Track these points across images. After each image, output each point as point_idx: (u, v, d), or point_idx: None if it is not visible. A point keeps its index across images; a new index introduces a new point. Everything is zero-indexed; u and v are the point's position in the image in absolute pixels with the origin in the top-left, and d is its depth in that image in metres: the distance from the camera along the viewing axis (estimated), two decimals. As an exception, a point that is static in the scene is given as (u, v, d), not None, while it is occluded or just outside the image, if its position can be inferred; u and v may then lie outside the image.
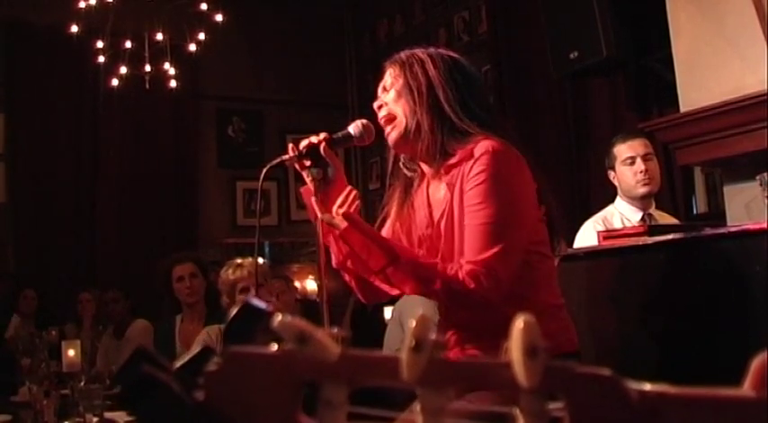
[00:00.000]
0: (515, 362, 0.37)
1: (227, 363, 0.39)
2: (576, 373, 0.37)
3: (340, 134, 1.87)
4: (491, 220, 1.64)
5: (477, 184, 1.67)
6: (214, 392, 0.38)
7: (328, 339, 0.39)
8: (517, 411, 0.38)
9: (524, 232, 1.69)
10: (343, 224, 1.70)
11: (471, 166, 1.69)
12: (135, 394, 0.38)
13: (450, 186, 1.75)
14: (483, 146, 1.69)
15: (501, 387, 0.38)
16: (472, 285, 1.60)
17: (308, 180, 1.87)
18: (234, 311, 0.44)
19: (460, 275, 1.61)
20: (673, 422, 0.37)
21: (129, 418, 3.34)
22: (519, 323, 0.37)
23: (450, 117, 1.76)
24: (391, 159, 1.96)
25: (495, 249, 1.62)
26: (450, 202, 1.74)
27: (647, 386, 0.38)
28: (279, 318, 0.39)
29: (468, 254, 1.65)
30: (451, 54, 1.89)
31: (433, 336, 0.38)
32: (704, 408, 0.37)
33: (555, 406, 0.38)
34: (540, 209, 1.77)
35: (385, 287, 1.76)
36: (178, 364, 0.44)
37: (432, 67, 1.81)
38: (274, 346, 0.40)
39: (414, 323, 0.38)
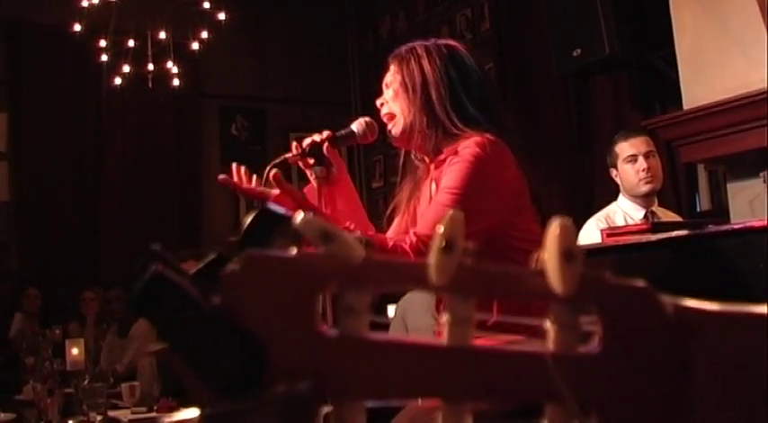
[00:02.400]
0: (550, 268, 0.35)
1: (245, 266, 0.36)
2: (610, 283, 0.36)
3: (343, 132, 1.88)
4: (454, 205, 1.65)
5: (453, 171, 1.69)
6: (230, 297, 0.36)
7: (354, 239, 0.36)
8: (548, 324, 0.37)
9: (486, 224, 1.67)
10: (275, 191, 1.71)
11: (453, 158, 1.71)
12: (147, 297, 0.35)
13: (437, 181, 1.77)
14: (468, 141, 1.71)
15: (533, 295, 0.36)
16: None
17: (311, 178, 1.88)
18: (250, 217, 0.41)
19: (405, 247, 1.61)
20: (708, 338, 0.36)
21: (133, 417, 3.35)
22: (554, 228, 0.36)
23: (442, 118, 1.77)
24: (403, 152, 1.97)
25: None
26: (435, 196, 1.76)
27: (685, 301, 0.37)
28: (301, 215, 0.37)
29: (421, 226, 1.67)
30: (450, 44, 1.89)
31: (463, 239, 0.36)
32: (740, 325, 0.36)
33: (585, 320, 0.36)
34: (533, 206, 1.76)
35: None
36: (193, 270, 0.40)
37: (427, 63, 1.82)
38: (294, 250, 0.37)
39: (443, 224, 0.36)
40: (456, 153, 1.71)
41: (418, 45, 1.87)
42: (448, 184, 1.69)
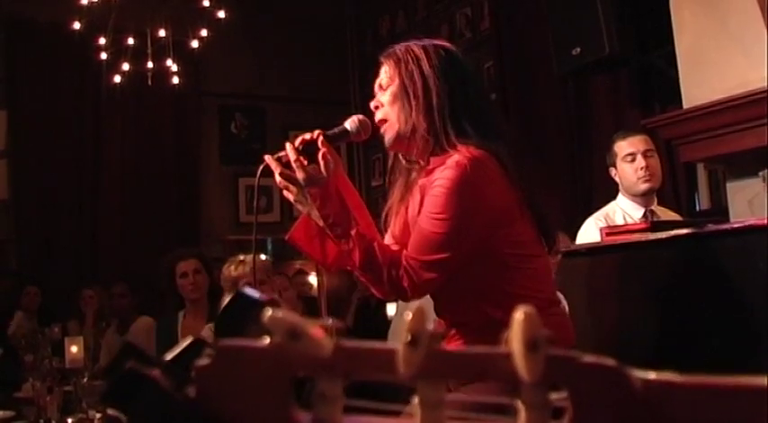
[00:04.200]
0: (516, 354, 0.36)
1: (219, 356, 0.37)
2: (578, 363, 0.37)
3: (336, 130, 1.87)
4: (441, 230, 1.67)
5: (435, 195, 1.69)
6: (205, 387, 0.37)
7: (321, 334, 0.37)
8: (519, 403, 0.37)
9: (470, 244, 1.70)
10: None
11: (439, 175, 1.71)
12: (122, 391, 0.36)
13: (423, 189, 1.78)
14: (451, 161, 1.69)
15: (502, 379, 0.37)
16: (405, 283, 1.67)
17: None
18: (226, 301, 0.42)
19: (401, 270, 1.68)
20: (678, 411, 0.36)
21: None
22: (519, 315, 0.37)
23: (438, 127, 1.76)
24: (392, 155, 1.96)
25: (437, 256, 1.68)
26: (420, 204, 1.77)
27: (652, 375, 0.37)
28: (269, 313, 0.38)
29: (410, 248, 1.71)
30: (446, 46, 1.86)
31: (429, 327, 0.37)
32: (710, 396, 0.37)
33: (557, 396, 0.37)
34: (525, 213, 1.75)
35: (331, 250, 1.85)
36: (169, 356, 0.42)
37: (427, 66, 1.79)
38: (267, 339, 0.38)
39: (409, 316, 0.37)
40: (443, 164, 1.71)
41: (414, 45, 1.84)
42: (431, 209, 1.69)
